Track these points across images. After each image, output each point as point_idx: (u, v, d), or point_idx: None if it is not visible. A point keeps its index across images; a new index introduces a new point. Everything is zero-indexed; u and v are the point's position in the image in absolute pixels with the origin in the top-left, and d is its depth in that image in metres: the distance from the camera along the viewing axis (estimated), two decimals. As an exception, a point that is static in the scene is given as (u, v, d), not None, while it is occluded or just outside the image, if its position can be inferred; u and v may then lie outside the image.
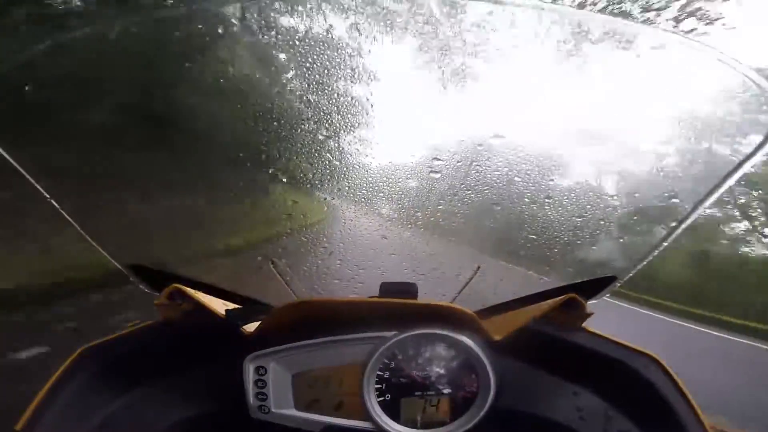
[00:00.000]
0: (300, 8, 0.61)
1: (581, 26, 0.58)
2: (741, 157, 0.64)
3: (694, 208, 0.70)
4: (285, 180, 0.77)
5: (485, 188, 0.79)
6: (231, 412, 0.68)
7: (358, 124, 0.72)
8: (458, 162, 0.78)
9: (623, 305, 7.64)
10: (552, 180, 0.78)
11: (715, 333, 7.03)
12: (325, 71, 0.66)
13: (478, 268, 0.85)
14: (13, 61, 0.58)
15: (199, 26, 0.60)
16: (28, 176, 0.62)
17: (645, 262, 0.75)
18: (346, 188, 0.80)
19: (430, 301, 0.68)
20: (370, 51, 0.65)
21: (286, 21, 0.61)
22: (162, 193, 0.78)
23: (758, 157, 0.64)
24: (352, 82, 0.67)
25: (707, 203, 0.68)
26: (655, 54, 0.62)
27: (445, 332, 0.66)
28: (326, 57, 0.65)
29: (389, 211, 0.84)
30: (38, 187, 0.63)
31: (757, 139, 0.63)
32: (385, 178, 0.80)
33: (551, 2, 0.55)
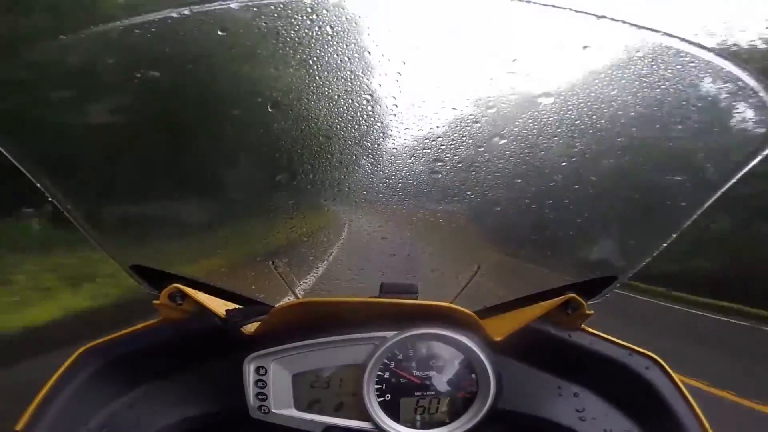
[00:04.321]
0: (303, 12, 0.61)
1: (581, 28, 0.59)
2: (741, 157, 0.65)
3: (694, 207, 0.70)
4: (285, 181, 0.77)
5: (486, 189, 0.79)
6: (231, 413, 0.68)
7: (359, 125, 0.72)
8: (458, 163, 0.78)
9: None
10: (552, 182, 0.78)
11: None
12: (326, 72, 0.66)
13: (478, 268, 0.85)
14: (15, 59, 0.58)
15: (203, 27, 0.61)
16: (29, 176, 0.62)
17: (645, 262, 0.75)
18: (347, 189, 0.80)
19: (430, 302, 0.68)
20: (370, 52, 0.65)
21: (286, 22, 0.61)
22: (162, 193, 0.78)
23: (758, 158, 0.64)
24: (352, 83, 0.67)
25: (707, 203, 0.69)
26: (654, 55, 0.62)
27: (445, 332, 0.66)
28: (328, 58, 0.66)
29: (390, 212, 0.84)
30: (39, 186, 0.63)
31: (757, 139, 0.64)
32: (385, 179, 0.80)
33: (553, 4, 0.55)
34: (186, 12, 0.55)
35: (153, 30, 0.58)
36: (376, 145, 0.76)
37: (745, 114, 0.64)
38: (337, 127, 0.72)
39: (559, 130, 0.72)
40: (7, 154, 0.60)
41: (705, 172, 0.71)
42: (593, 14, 0.55)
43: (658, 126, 0.70)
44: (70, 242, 5.63)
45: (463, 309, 0.66)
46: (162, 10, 0.56)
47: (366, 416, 0.66)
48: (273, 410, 0.66)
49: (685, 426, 0.63)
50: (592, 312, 0.71)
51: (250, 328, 0.70)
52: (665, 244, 0.73)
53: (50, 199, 0.64)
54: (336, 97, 0.69)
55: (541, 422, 0.70)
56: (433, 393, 0.67)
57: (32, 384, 0.61)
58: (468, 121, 0.73)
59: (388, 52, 0.66)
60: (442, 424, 0.67)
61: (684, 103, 0.65)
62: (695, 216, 0.70)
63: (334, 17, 0.61)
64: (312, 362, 0.67)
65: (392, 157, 0.78)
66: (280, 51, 0.64)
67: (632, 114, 0.69)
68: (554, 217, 0.80)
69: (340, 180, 0.80)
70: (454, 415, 0.68)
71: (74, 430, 0.60)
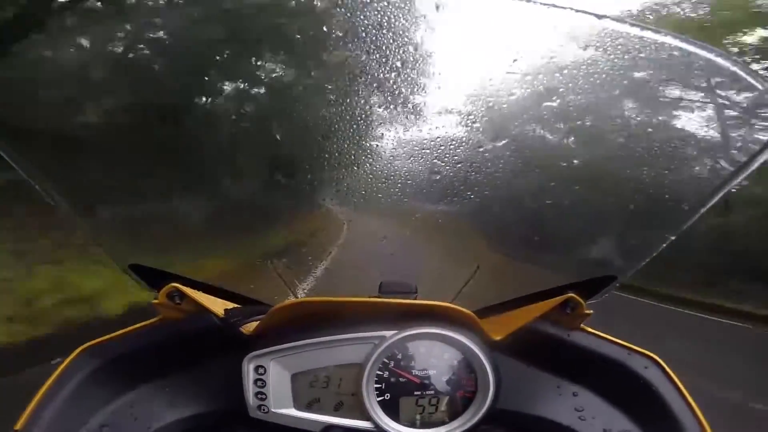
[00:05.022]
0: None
1: (582, 28, 0.58)
2: (744, 158, 0.64)
3: (695, 208, 0.70)
4: (284, 181, 0.77)
5: (485, 189, 0.79)
6: (230, 412, 0.68)
7: (358, 126, 0.72)
8: (458, 164, 0.78)
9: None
10: (552, 182, 0.78)
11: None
12: (325, 72, 0.66)
13: (478, 267, 0.85)
14: (14, 60, 0.58)
15: (195, 28, 0.60)
16: (25, 176, 0.62)
17: (644, 263, 0.75)
18: (346, 189, 0.80)
19: (429, 301, 0.68)
20: (369, 52, 0.65)
21: (283, 21, 0.61)
22: (162, 193, 0.78)
23: (761, 159, 0.63)
24: (351, 83, 0.67)
25: (709, 204, 0.68)
26: (656, 54, 0.61)
27: (444, 332, 0.66)
28: (326, 57, 0.65)
29: (389, 212, 0.84)
30: (36, 187, 0.63)
31: (761, 139, 0.63)
32: (384, 179, 0.80)
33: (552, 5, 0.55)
34: (185, 13, 0.54)
35: (148, 31, 0.57)
36: (375, 145, 0.76)
37: (747, 114, 0.63)
38: (335, 128, 0.72)
39: (560, 129, 0.72)
40: (4, 155, 0.59)
41: (706, 173, 0.70)
42: (594, 14, 0.54)
43: (659, 125, 0.70)
44: None
45: (462, 308, 0.66)
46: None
47: (365, 415, 0.66)
48: (272, 409, 0.66)
49: (683, 425, 0.63)
50: (591, 312, 0.71)
51: (249, 327, 0.71)
52: (665, 244, 0.73)
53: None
54: (334, 97, 0.69)
55: (540, 422, 0.70)
56: (432, 392, 0.67)
57: None
58: (468, 122, 0.73)
59: (387, 52, 0.65)
60: (441, 423, 0.67)
61: (686, 102, 0.65)
62: (696, 216, 0.70)
63: (331, 17, 0.61)
64: (311, 361, 0.67)
65: (391, 157, 0.78)
66: (277, 51, 0.63)
67: (633, 114, 0.68)
68: (554, 217, 0.80)
69: (338, 180, 0.79)
70: (453, 414, 0.68)
71: (73, 429, 0.60)
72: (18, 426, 0.56)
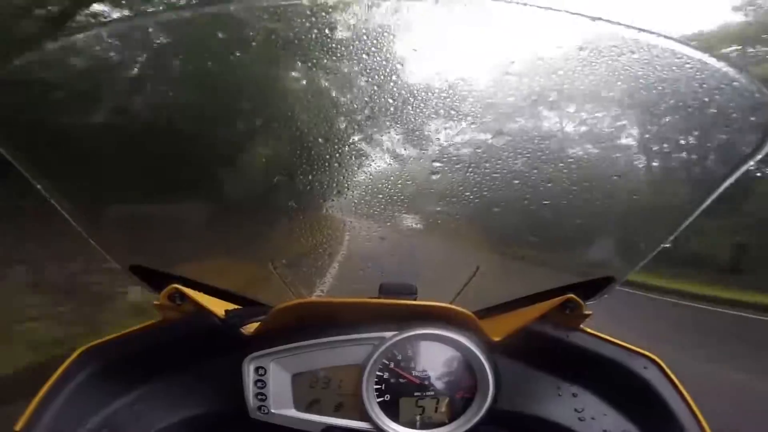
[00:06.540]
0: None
1: (577, 30, 0.59)
2: (739, 157, 0.65)
3: (693, 208, 0.70)
4: (284, 183, 0.77)
5: (484, 190, 0.79)
6: (231, 413, 0.68)
7: (358, 126, 0.73)
8: (457, 165, 0.79)
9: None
10: (550, 183, 0.78)
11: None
12: (323, 74, 0.67)
13: (477, 268, 0.85)
14: (16, 61, 0.59)
15: (197, 29, 0.61)
16: (28, 176, 0.63)
17: (643, 263, 0.75)
18: (346, 190, 0.81)
19: (429, 302, 0.68)
20: (368, 54, 0.66)
21: (285, 25, 0.62)
22: (162, 194, 0.78)
23: (756, 158, 0.64)
24: (351, 85, 0.68)
25: (706, 204, 0.69)
26: (649, 56, 0.62)
27: (443, 333, 0.66)
28: (326, 60, 0.66)
29: (388, 213, 0.84)
30: (38, 187, 0.64)
31: (755, 139, 0.64)
32: (384, 180, 0.80)
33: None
34: (185, 14, 0.55)
35: (148, 31, 0.58)
36: (375, 147, 0.76)
37: (740, 115, 0.64)
38: (335, 129, 0.72)
39: (557, 131, 0.73)
40: (6, 154, 0.60)
41: (701, 173, 0.71)
42: (588, 16, 0.55)
43: (654, 127, 0.71)
44: None
45: (461, 309, 0.67)
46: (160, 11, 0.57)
47: (365, 416, 0.66)
48: (272, 410, 0.66)
49: (683, 425, 0.63)
50: (591, 312, 0.71)
51: (250, 328, 0.71)
52: (663, 245, 0.73)
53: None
54: (335, 99, 0.70)
55: (540, 422, 0.70)
56: (432, 393, 0.67)
57: None
58: (466, 123, 0.74)
59: (386, 54, 0.66)
60: (441, 424, 0.67)
61: (680, 104, 0.66)
62: (693, 217, 0.70)
63: (333, 20, 0.62)
64: (311, 362, 0.67)
65: (391, 158, 0.78)
66: (278, 52, 0.64)
67: (629, 115, 0.69)
68: (552, 218, 0.81)
69: (338, 181, 0.80)
70: (453, 415, 0.68)
71: (74, 430, 0.60)
72: (18, 426, 0.56)
